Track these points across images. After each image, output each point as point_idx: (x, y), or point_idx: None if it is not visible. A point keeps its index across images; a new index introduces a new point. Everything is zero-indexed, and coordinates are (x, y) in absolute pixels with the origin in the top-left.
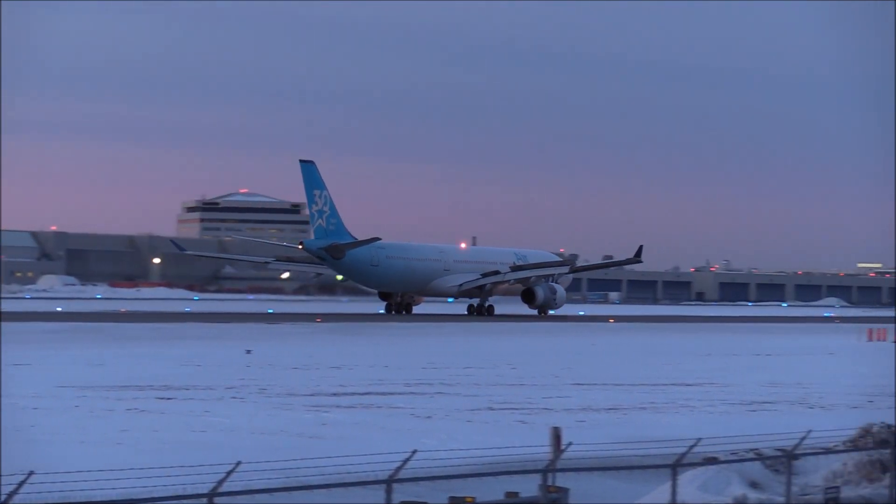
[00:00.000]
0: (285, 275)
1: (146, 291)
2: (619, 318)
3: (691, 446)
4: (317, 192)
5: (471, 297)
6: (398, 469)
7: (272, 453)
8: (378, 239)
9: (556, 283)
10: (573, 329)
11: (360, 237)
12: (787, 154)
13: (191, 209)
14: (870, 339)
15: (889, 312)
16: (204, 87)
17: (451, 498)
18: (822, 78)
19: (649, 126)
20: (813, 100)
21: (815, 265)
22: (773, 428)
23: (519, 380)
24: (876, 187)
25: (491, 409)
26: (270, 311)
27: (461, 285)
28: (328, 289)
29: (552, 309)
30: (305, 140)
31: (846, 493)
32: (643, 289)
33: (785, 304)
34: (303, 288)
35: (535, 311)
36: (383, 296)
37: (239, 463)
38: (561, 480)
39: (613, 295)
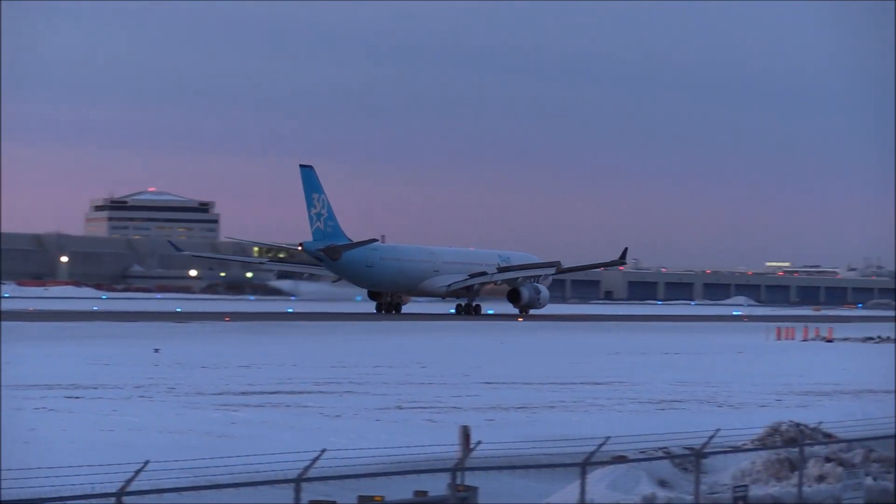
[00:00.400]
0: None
1: (54, 290)
2: (527, 317)
3: (600, 445)
4: (315, 196)
5: (458, 297)
6: (307, 468)
7: (181, 452)
8: (375, 240)
9: (540, 284)
10: (484, 328)
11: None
12: (691, 153)
13: (99, 208)
14: (778, 338)
15: (796, 311)
16: (112, 87)
17: (360, 497)
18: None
19: (557, 124)
20: (748, 98)
21: (724, 264)
22: (682, 426)
23: (428, 378)
24: (778, 187)
25: (400, 407)
26: (178, 309)
27: (450, 285)
28: (237, 287)
29: (536, 308)
30: (217, 138)
31: (755, 491)
32: (552, 287)
33: (693, 303)
34: (210, 287)
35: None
36: (373, 295)
37: (147, 462)
38: (470, 479)
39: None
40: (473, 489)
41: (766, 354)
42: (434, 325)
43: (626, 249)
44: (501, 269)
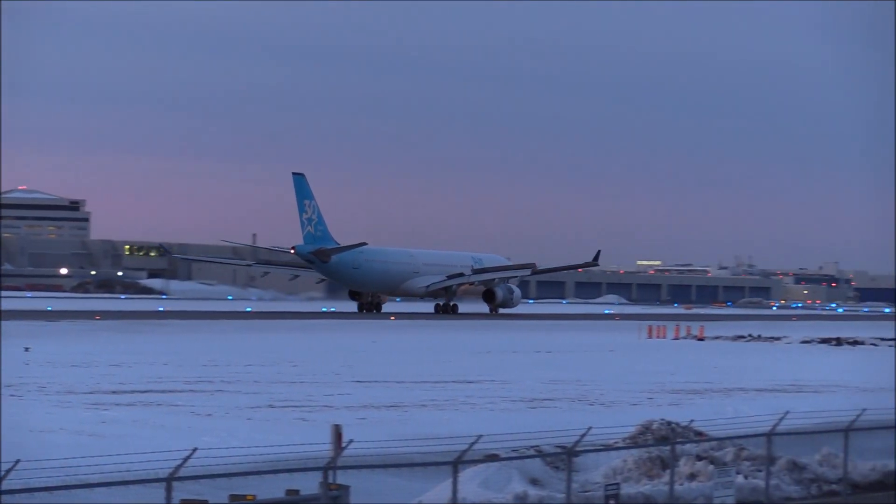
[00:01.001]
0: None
1: None
2: (400, 316)
3: (472, 443)
4: (307, 202)
5: (436, 297)
6: (178, 467)
7: (51, 451)
8: (365, 244)
9: (512, 285)
10: (355, 327)
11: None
12: (560, 150)
13: None
14: (649, 337)
15: (667, 310)
16: None
17: (232, 496)
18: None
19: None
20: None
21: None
22: (554, 425)
23: (300, 377)
24: (649, 185)
25: (272, 406)
26: (49, 308)
27: (429, 286)
28: (108, 286)
29: (509, 307)
30: (85, 137)
31: (626, 489)
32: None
33: (565, 302)
34: (81, 285)
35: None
36: (353, 295)
37: (18, 461)
38: (342, 478)
39: None
40: (345, 488)
41: (637, 353)
42: (311, 324)
43: (598, 252)
44: (477, 271)
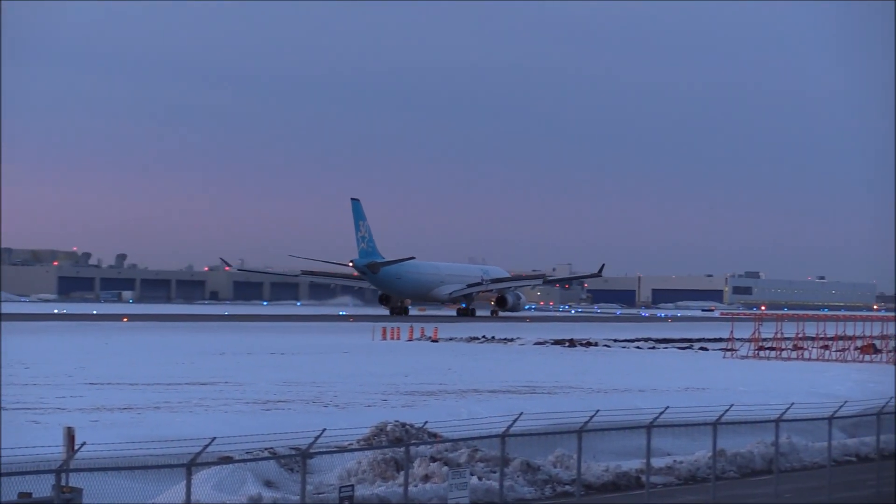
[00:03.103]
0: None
1: None
2: (133, 317)
3: (206, 446)
4: (361, 223)
5: (455, 303)
6: None
7: None
8: (412, 258)
9: (519, 292)
10: (88, 329)
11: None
12: (304, 154)
13: None
14: (384, 338)
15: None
16: None
17: None
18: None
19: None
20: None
21: (331, 265)
22: (288, 427)
23: (32, 379)
24: (376, 187)
25: (3, 409)
26: None
27: (451, 293)
28: None
29: (517, 311)
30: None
31: (360, 491)
32: (157, 287)
33: (299, 304)
34: None
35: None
36: (383, 300)
37: None
38: (75, 480)
39: (127, 294)
40: (78, 490)
41: (372, 354)
42: (44, 326)
43: (602, 265)
44: (495, 281)
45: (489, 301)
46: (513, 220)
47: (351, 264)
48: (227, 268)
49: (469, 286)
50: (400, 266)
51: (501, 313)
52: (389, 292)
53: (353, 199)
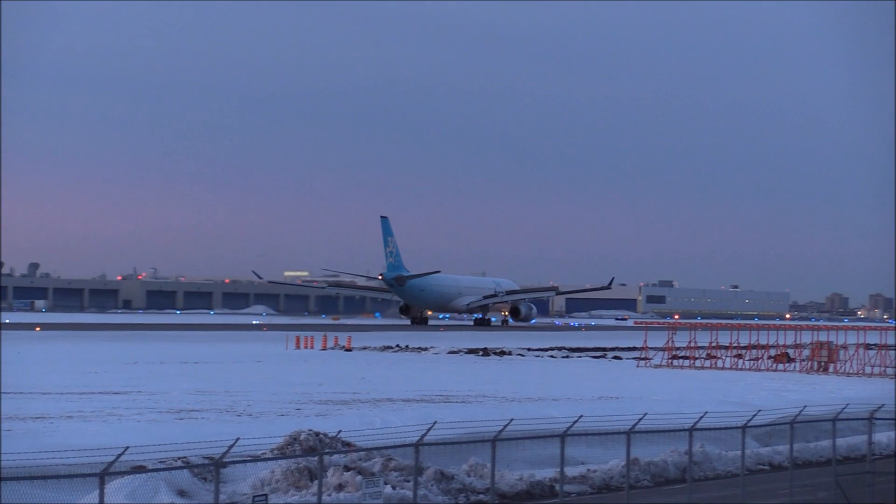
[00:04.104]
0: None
1: None
2: (45, 327)
3: (119, 455)
4: (389, 239)
5: (472, 313)
6: None
7: None
8: (438, 272)
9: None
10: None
11: None
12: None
13: None
14: (297, 347)
15: (315, 320)
16: None
17: None
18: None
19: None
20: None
21: (243, 273)
22: (202, 436)
23: None
24: (285, 195)
25: None
26: None
27: (469, 304)
28: None
29: (529, 321)
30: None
31: (274, 500)
32: (70, 297)
33: (213, 312)
34: None
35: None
36: (404, 311)
37: None
38: None
39: (40, 303)
40: None
41: (285, 363)
42: None
43: (612, 279)
44: (510, 292)
45: (502, 312)
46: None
47: (380, 277)
48: (257, 280)
49: (485, 297)
50: (424, 279)
51: (512, 322)
52: (414, 304)
53: (382, 216)
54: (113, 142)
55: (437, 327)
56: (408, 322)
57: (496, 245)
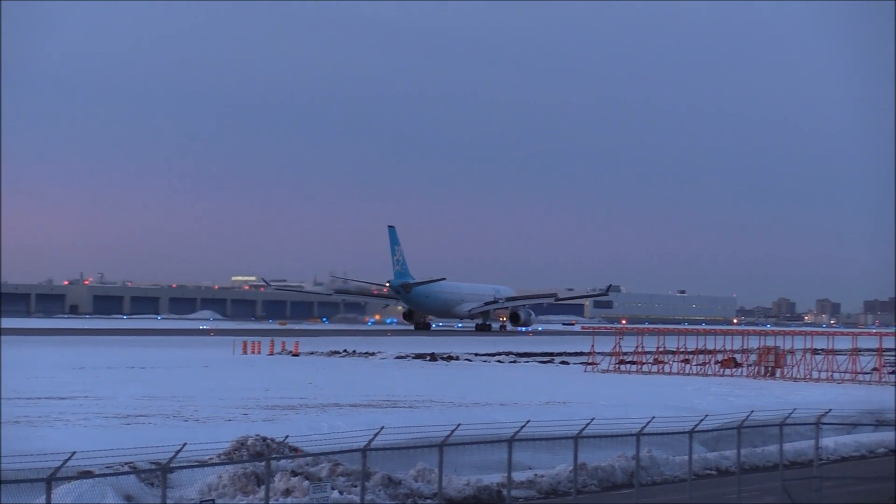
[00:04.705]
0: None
1: None
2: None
3: (66, 460)
4: (396, 248)
5: (473, 319)
6: None
7: None
8: (444, 279)
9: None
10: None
11: None
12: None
13: None
14: (245, 352)
15: (263, 325)
16: None
17: None
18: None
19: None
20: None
21: (190, 278)
22: (149, 441)
23: None
24: (249, 199)
25: None
26: None
27: (470, 310)
28: None
29: (528, 326)
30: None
31: None
32: (16, 302)
33: (160, 318)
34: None
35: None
36: (407, 316)
37: None
38: None
39: None
40: None
41: (232, 368)
42: None
43: (609, 285)
44: (510, 299)
45: (501, 318)
46: None
47: (388, 284)
48: (262, 288)
49: (486, 304)
50: (429, 286)
51: (510, 328)
52: (419, 309)
53: (389, 226)
54: (67, 147)
55: (435, 331)
56: (411, 327)
57: (452, 249)
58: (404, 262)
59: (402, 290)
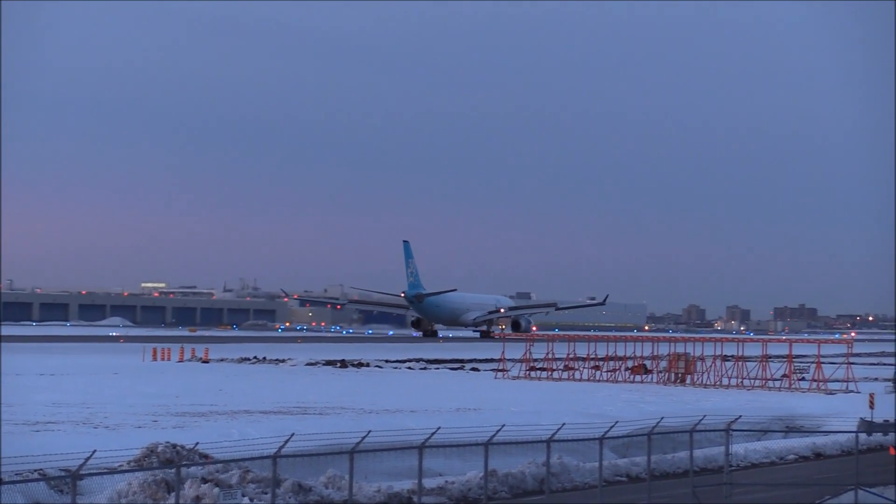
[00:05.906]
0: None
1: None
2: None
3: None
4: (410, 261)
5: (477, 326)
6: None
7: None
8: (455, 290)
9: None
10: None
11: None
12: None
13: None
14: (154, 359)
15: (172, 332)
16: None
17: None
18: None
19: None
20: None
21: (100, 284)
22: (59, 448)
23: None
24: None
25: None
26: None
27: (475, 319)
28: None
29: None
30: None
31: None
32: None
33: (69, 324)
34: None
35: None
36: (415, 324)
37: None
38: None
39: None
40: None
41: (142, 375)
42: None
43: (607, 296)
44: (512, 308)
45: (500, 325)
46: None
47: (402, 295)
48: (285, 299)
49: (490, 313)
50: (439, 297)
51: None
52: (429, 318)
53: (404, 241)
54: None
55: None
56: (419, 334)
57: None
58: (417, 273)
59: (416, 300)
